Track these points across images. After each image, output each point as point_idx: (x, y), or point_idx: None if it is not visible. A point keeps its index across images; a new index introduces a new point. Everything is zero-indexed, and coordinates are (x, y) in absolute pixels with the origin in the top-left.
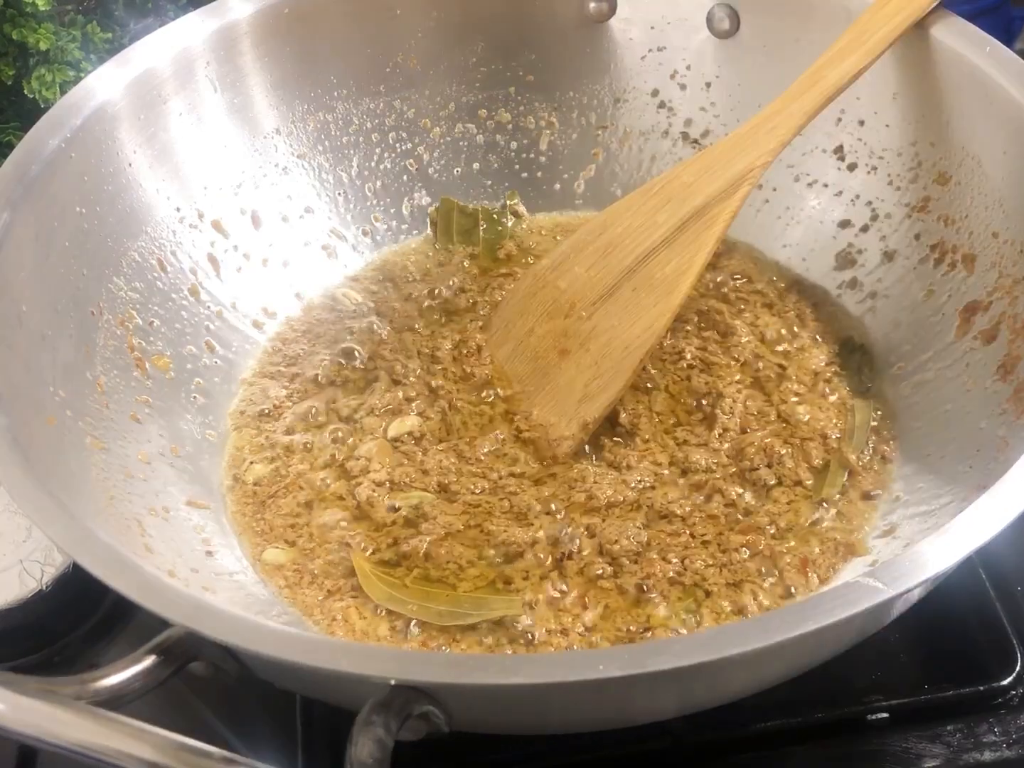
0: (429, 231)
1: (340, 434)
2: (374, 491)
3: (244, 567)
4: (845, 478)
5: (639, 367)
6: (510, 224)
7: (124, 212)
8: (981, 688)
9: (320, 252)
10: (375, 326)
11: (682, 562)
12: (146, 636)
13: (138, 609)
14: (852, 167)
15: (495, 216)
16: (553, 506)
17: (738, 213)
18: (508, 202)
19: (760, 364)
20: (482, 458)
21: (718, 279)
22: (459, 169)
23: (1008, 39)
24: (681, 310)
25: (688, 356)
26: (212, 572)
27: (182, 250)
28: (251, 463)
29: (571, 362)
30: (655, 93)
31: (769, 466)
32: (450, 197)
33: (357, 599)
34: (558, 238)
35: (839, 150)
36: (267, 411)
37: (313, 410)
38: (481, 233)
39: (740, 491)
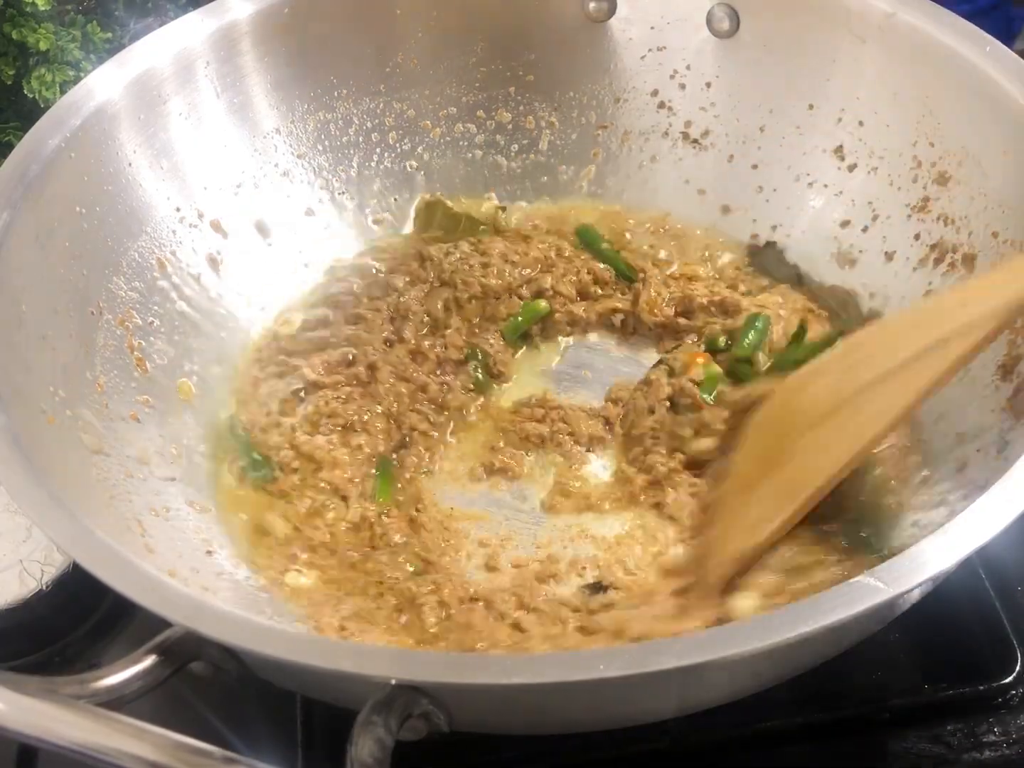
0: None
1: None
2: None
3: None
4: None
5: (802, 507)
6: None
7: (124, 212)
8: (981, 688)
9: (320, 252)
10: (374, 327)
11: None
12: (146, 636)
13: (138, 609)
14: (852, 167)
15: (477, 219)
16: None
17: (954, 373)
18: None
19: None
20: None
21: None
22: (459, 169)
23: (1008, 39)
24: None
25: None
26: (212, 572)
27: (182, 250)
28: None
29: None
30: (655, 93)
31: None
32: (440, 196)
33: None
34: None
35: (839, 150)
36: (268, 411)
37: (312, 410)
38: (460, 230)
39: None
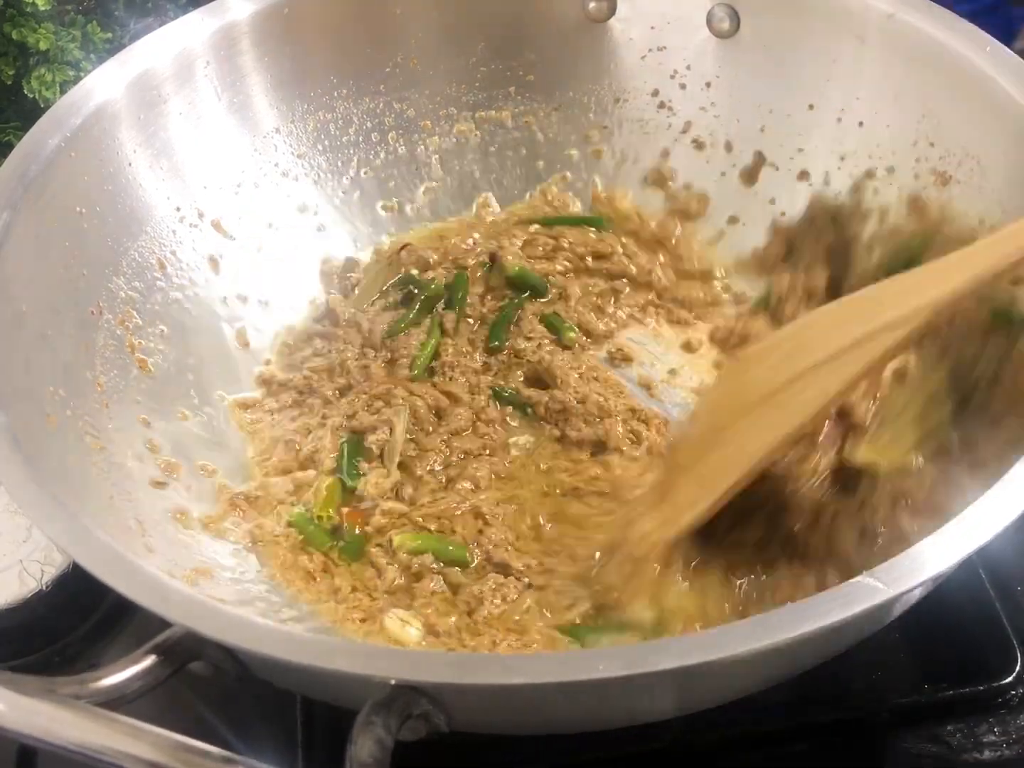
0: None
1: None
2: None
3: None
4: None
5: (723, 497)
6: None
7: (124, 212)
8: (981, 688)
9: (320, 252)
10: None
11: None
12: (146, 636)
13: (138, 609)
14: (852, 167)
15: None
16: None
17: (881, 367)
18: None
19: None
20: None
21: None
22: (459, 169)
23: (1008, 39)
24: None
25: None
26: (212, 572)
27: (182, 250)
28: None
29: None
30: (655, 93)
31: None
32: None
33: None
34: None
35: (839, 150)
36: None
37: (309, 412)
38: None
39: None
